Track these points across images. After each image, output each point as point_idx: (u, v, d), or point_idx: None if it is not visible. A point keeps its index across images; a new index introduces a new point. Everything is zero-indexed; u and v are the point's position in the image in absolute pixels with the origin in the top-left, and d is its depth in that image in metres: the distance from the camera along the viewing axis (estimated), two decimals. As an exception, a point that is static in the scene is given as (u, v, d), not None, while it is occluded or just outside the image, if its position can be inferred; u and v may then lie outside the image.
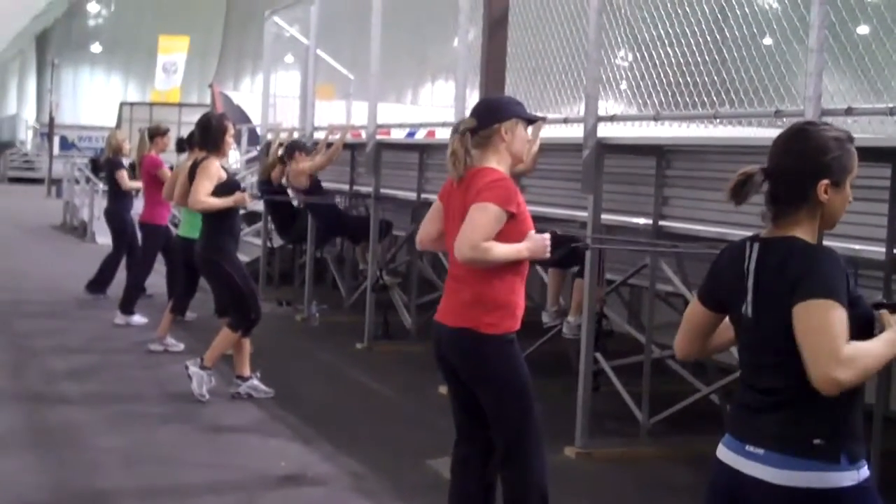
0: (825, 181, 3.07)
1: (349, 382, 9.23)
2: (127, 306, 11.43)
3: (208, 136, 8.28)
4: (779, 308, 2.98)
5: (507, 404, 4.73)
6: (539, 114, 7.94)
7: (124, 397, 8.27)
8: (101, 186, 19.12)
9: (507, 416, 4.74)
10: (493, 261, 4.58)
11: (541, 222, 8.76)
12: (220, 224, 8.21)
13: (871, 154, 5.45)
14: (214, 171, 8.16)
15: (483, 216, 4.54)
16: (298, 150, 11.30)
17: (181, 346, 9.84)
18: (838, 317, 2.89)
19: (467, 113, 8.58)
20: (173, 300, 10.24)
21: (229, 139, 8.35)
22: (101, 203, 22.34)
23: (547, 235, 4.76)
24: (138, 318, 11.19)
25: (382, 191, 10.78)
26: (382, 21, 10.48)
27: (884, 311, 3.09)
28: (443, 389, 8.42)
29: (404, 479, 6.47)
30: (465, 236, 4.53)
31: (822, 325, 2.88)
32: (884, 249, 5.55)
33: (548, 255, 4.78)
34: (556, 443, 6.86)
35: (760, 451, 3.01)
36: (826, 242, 5.38)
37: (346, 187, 12.36)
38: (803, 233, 3.08)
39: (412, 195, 10.68)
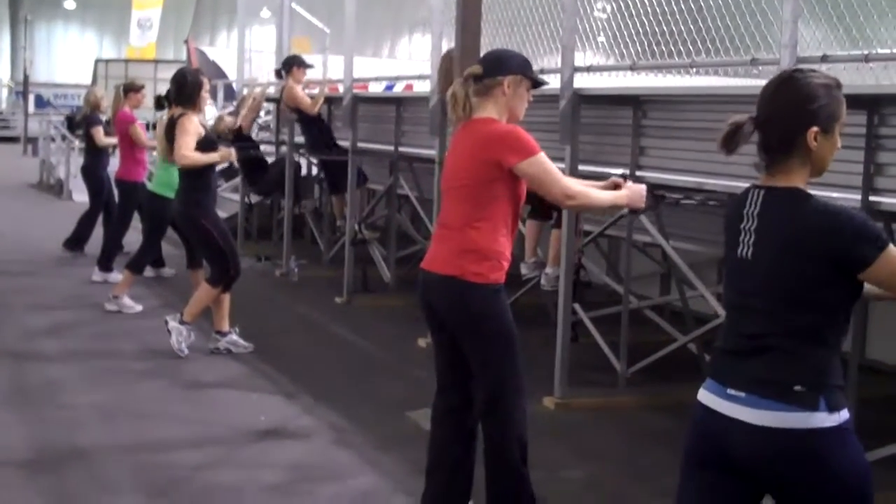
0: (814, 128, 3.08)
1: (329, 336, 9.24)
2: (105, 263, 11.41)
3: (183, 92, 8.26)
4: (787, 258, 3.01)
5: (491, 353, 4.74)
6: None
7: (103, 353, 8.27)
8: (78, 144, 19.01)
9: (490, 365, 4.75)
10: (594, 205, 4.80)
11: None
12: (198, 181, 8.21)
13: (848, 101, 5.45)
14: (193, 127, 8.15)
15: (545, 167, 4.62)
16: (297, 66, 11.22)
17: (139, 308, 9.82)
18: None
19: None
20: (131, 258, 10.22)
21: (205, 94, 8.32)
22: (78, 161, 22.23)
23: (644, 186, 4.87)
24: (116, 276, 11.15)
25: (360, 145, 10.75)
26: (358, -27, 10.41)
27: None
28: (422, 342, 8.46)
29: (384, 431, 6.50)
30: (557, 192, 4.65)
31: None
32: (860, 197, 5.56)
33: (643, 205, 4.89)
34: (535, 393, 6.88)
35: (742, 393, 3.03)
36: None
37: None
38: (796, 181, 3.10)
39: (390, 148, 10.64)
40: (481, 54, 6.77)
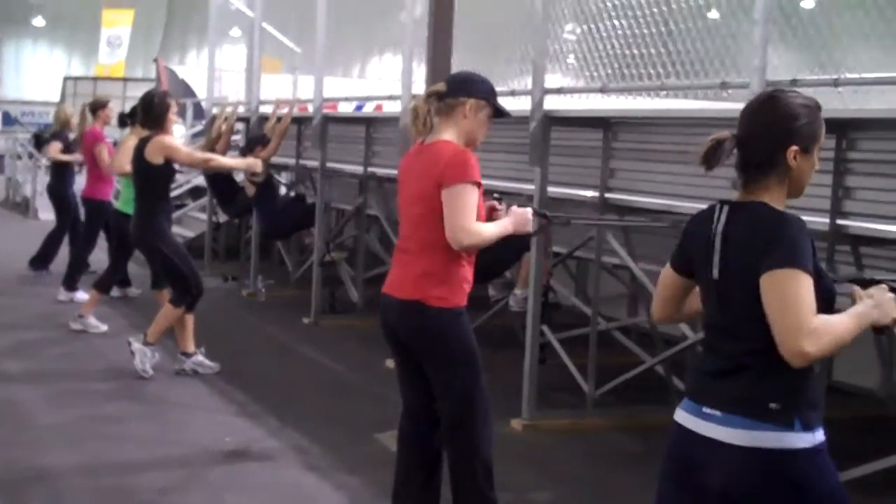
0: (794, 147, 3.09)
1: (296, 357, 9.18)
2: (70, 283, 11.32)
3: (151, 113, 8.22)
4: (745, 273, 3.01)
5: (454, 376, 4.72)
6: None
7: (67, 374, 8.18)
8: (44, 162, 18.88)
9: (454, 387, 4.73)
10: (486, 242, 4.62)
11: (487, 196, 8.75)
12: (154, 204, 8.17)
13: (816, 125, 5.48)
14: (174, 142, 8.17)
15: (466, 199, 4.52)
16: (260, 145, 11.21)
17: (104, 328, 9.74)
18: (806, 286, 2.91)
19: (414, 87, 8.62)
20: (98, 277, 10.19)
21: (172, 117, 8.30)
22: (45, 179, 22.02)
23: (529, 210, 4.80)
24: (81, 295, 11.06)
25: (329, 165, 10.72)
26: (328, -7, 10.39)
27: (855, 287, 3.12)
28: (390, 363, 8.39)
29: (351, 453, 6.45)
30: (458, 224, 4.51)
31: (789, 296, 2.89)
32: (828, 220, 5.58)
33: (530, 228, 4.84)
34: (502, 415, 6.87)
35: (717, 412, 3.04)
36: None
37: (292, 161, 12.27)
38: (771, 199, 3.10)
39: (359, 169, 10.62)
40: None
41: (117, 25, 41.32)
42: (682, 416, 3.15)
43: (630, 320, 8.99)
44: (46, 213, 16.60)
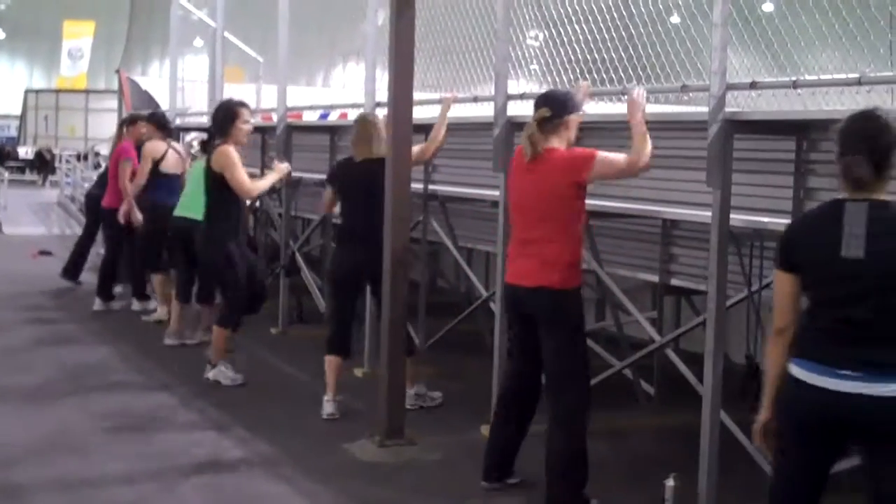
0: None
1: (264, 367, 9.15)
2: (139, 289, 11.48)
3: (217, 122, 8.35)
4: (892, 256, 3.62)
5: (569, 343, 5.62)
6: (448, 94, 7.94)
7: (33, 388, 8.11)
8: (7, 175, 18.78)
9: (566, 350, 5.60)
10: (646, 154, 5.62)
11: (454, 202, 8.76)
12: (221, 220, 8.30)
13: (776, 127, 5.53)
14: (237, 156, 8.16)
15: (604, 162, 5.54)
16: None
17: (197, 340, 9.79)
18: None
19: (378, 94, 8.64)
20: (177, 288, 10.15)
21: (242, 126, 8.30)
22: (7, 192, 21.94)
23: None
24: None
25: (294, 174, 10.69)
26: (291, 3, 10.40)
27: None
28: (358, 372, 8.43)
29: (320, 462, 6.44)
30: (622, 170, 5.62)
31: None
32: (789, 221, 5.62)
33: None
34: (473, 421, 6.89)
35: (857, 373, 3.62)
36: (733, 216, 5.48)
37: (257, 171, 12.24)
38: (881, 196, 3.74)
39: (324, 177, 10.58)
40: (414, 83, 6.82)
41: (79, 37, 41.22)
42: (809, 377, 3.72)
43: (597, 324, 9.02)
44: (10, 227, 16.50)
